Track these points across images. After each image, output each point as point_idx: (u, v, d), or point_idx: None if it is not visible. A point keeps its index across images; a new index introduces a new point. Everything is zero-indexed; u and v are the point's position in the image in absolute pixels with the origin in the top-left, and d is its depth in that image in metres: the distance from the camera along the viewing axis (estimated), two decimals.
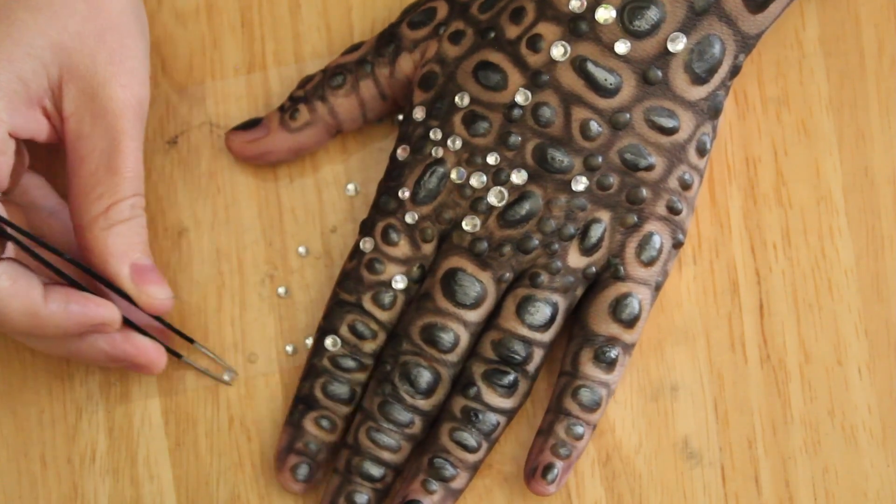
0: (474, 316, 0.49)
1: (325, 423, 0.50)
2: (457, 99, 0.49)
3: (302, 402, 0.51)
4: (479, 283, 0.49)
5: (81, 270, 0.49)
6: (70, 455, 0.52)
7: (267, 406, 0.52)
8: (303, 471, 0.50)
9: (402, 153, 0.50)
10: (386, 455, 0.50)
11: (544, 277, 0.49)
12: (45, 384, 0.53)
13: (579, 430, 0.49)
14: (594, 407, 0.49)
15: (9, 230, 0.46)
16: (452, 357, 0.49)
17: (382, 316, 0.50)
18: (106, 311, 0.48)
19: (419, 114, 0.50)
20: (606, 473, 0.52)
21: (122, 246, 0.48)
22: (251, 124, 0.52)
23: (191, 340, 0.52)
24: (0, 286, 0.46)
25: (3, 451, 0.52)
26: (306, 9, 0.54)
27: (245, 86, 0.54)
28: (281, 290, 0.53)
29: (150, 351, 0.50)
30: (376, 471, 0.50)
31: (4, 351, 0.53)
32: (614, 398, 0.52)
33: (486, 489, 0.52)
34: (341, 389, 0.50)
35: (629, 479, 0.52)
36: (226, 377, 0.52)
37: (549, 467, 0.49)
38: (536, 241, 0.49)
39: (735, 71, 0.49)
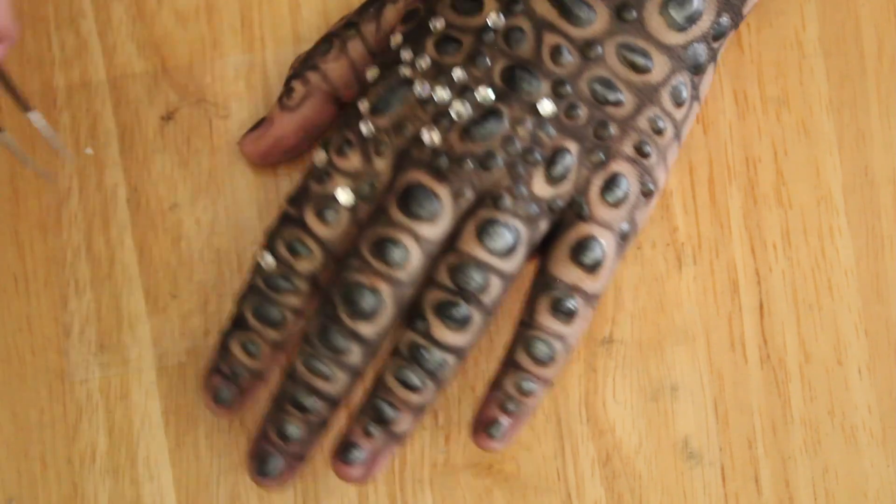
0: (429, 231, 0.47)
1: (250, 346, 0.48)
2: (431, 23, 0.48)
3: (233, 323, 0.49)
4: (435, 195, 0.47)
5: None
6: (70, 455, 0.52)
7: (267, 406, 0.52)
8: (224, 394, 0.49)
9: (371, 74, 0.49)
10: (320, 384, 0.47)
11: (508, 200, 0.47)
12: (45, 384, 0.53)
13: (530, 385, 0.47)
14: (547, 361, 0.47)
15: None
16: (402, 274, 0.46)
17: (323, 232, 0.48)
18: None
19: (395, 40, 0.49)
20: (606, 473, 0.52)
21: None
22: (256, 125, 0.52)
23: (26, 108, 0.44)
24: None
25: (3, 451, 0.52)
26: (306, 9, 0.54)
27: (245, 86, 0.54)
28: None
29: None
30: (308, 401, 0.47)
31: (4, 351, 0.53)
32: (614, 398, 0.52)
33: (486, 489, 0.52)
34: (270, 311, 0.48)
35: (629, 479, 0.52)
36: (61, 150, 0.45)
37: (494, 423, 0.47)
38: (500, 160, 0.47)
39: (719, 32, 0.48)
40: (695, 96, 0.49)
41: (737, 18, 0.49)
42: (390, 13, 0.51)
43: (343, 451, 0.47)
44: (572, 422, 0.52)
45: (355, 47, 0.51)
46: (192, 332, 0.53)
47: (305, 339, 0.47)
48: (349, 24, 0.51)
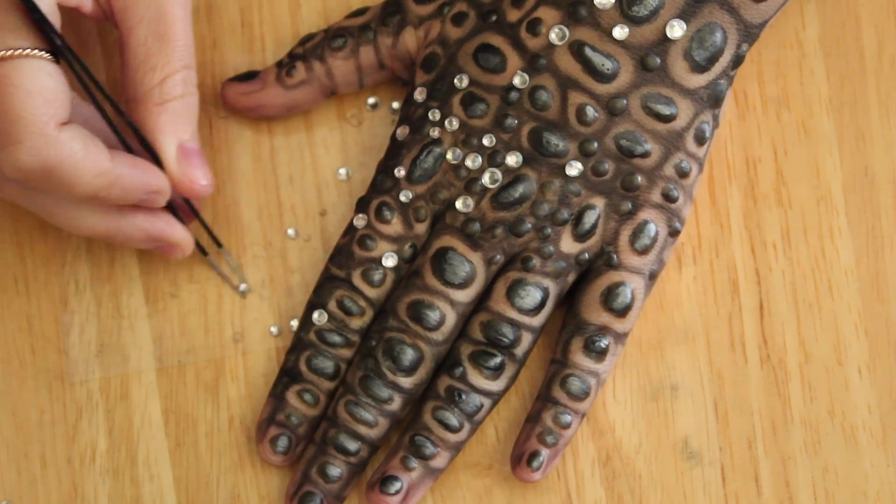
0: (462, 296, 0.49)
1: (307, 396, 0.50)
2: (456, 80, 0.49)
3: (286, 375, 0.51)
4: (468, 263, 0.49)
5: (132, 138, 0.49)
6: (70, 455, 0.52)
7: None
8: (282, 443, 0.51)
9: (401, 133, 0.50)
10: (362, 429, 0.50)
11: (536, 261, 0.49)
12: (45, 384, 0.53)
13: (566, 418, 0.50)
14: (582, 396, 0.50)
15: (87, 81, 0.47)
16: (437, 336, 0.49)
17: (371, 293, 0.50)
18: (161, 179, 0.48)
19: (420, 95, 0.50)
20: (606, 473, 0.52)
21: (174, 124, 0.48)
22: (248, 76, 0.53)
23: (219, 244, 0.52)
24: (74, 149, 0.45)
25: (3, 451, 0.52)
26: (306, 9, 0.54)
27: None
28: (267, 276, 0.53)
29: (182, 232, 0.50)
30: (351, 444, 0.50)
31: (4, 351, 0.53)
32: (614, 398, 0.52)
33: (486, 489, 0.52)
34: (325, 364, 0.50)
35: (629, 479, 0.52)
36: (241, 287, 0.53)
37: (534, 455, 0.50)
38: (529, 225, 0.49)
39: (738, 60, 0.49)
40: (716, 126, 0.50)
41: (752, 41, 0.49)
42: (409, 37, 0.51)
43: (383, 483, 0.50)
44: None
45: (367, 54, 0.51)
46: (192, 332, 0.53)
47: (346, 387, 0.50)
48: (366, 28, 0.51)
